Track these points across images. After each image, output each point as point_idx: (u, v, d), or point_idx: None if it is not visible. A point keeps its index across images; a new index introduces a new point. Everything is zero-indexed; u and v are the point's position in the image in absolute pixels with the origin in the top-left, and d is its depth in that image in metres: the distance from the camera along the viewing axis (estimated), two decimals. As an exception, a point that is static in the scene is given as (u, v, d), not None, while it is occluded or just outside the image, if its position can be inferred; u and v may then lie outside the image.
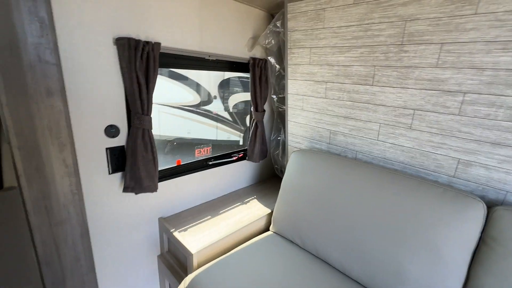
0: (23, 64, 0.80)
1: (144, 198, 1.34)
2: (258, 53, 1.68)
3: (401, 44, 1.05)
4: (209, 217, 1.48)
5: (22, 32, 0.79)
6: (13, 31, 0.77)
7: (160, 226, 1.43)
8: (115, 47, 1.08)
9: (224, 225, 1.40)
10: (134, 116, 1.14)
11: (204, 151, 1.65)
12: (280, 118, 1.85)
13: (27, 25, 0.79)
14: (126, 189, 1.18)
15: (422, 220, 0.94)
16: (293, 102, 1.55)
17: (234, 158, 1.76)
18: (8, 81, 0.78)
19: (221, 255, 1.27)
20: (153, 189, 1.24)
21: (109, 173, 1.18)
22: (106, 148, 1.15)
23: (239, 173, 1.83)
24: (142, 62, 1.11)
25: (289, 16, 1.39)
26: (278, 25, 1.49)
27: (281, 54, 1.63)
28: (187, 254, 1.21)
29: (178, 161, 1.49)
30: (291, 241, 1.35)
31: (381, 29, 1.09)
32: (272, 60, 1.64)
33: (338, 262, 1.13)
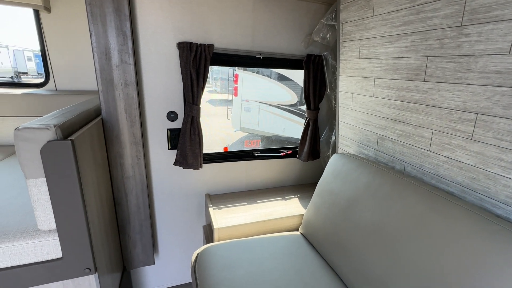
0: (111, 64, 1.18)
1: (195, 174, 1.62)
2: (316, 49, 1.63)
3: (461, 26, 0.79)
4: (245, 203, 1.61)
5: (113, 42, 1.16)
6: (107, 42, 1.15)
7: (205, 201, 1.68)
8: (177, 50, 1.37)
9: (254, 213, 1.49)
10: (187, 105, 1.41)
11: (253, 143, 1.78)
12: (334, 118, 1.72)
13: (115, 37, 1.16)
14: (176, 162, 1.48)
15: (484, 274, 0.66)
16: (343, 100, 1.43)
17: (282, 154, 1.79)
18: (103, 75, 1.18)
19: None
20: (196, 167, 1.48)
21: (168, 149, 1.51)
22: (167, 129, 1.48)
23: (287, 170, 1.84)
24: (195, 61, 1.36)
25: (341, 6, 1.28)
26: (332, 18, 1.40)
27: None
28: (213, 228, 1.39)
29: (225, 148, 1.68)
30: (313, 246, 1.28)
31: (436, 9, 0.85)
32: (328, 56, 1.55)
33: (350, 285, 1.00)
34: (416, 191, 0.91)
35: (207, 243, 1.55)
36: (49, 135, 0.83)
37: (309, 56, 1.56)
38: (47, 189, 0.86)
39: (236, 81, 6.34)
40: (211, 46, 1.37)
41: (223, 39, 1.43)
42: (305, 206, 1.58)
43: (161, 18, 1.31)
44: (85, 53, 1.91)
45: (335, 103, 1.66)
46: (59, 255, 0.95)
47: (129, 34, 1.19)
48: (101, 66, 1.18)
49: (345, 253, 1.05)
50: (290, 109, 6.59)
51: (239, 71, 6.20)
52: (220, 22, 1.41)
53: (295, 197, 1.70)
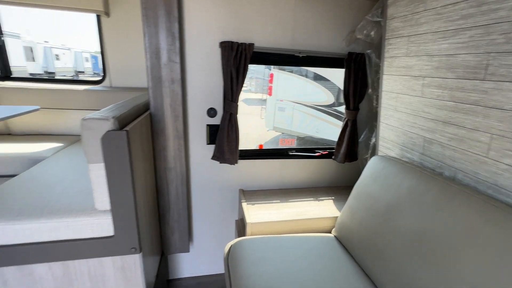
0: (161, 63, 1.28)
1: (230, 169, 1.67)
2: (358, 47, 1.57)
3: (533, 18, 0.70)
4: (278, 201, 1.62)
5: (163, 42, 1.26)
6: (158, 42, 1.25)
7: (239, 196, 1.72)
8: (219, 49, 1.43)
9: (287, 212, 1.49)
10: (226, 102, 1.46)
11: (288, 141, 1.78)
12: (375, 119, 1.64)
13: (165, 38, 1.25)
14: (213, 157, 1.54)
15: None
16: (386, 100, 1.35)
17: (317, 154, 1.76)
18: (153, 73, 1.29)
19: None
20: (232, 162, 1.53)
21: (207, 144, 1.58)
22: (207, 125, 1.55)
23: (322, 170, 1.80)
24: (236, 60, 1.40)
25: (388, 2, 1.22)
26: (378, 14, 1.33)
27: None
28: (245, 223, 1.43)
29: (260, 146, 1.71)
30: (346, 250, 1.25)
31: (502, 0, 0.77)
32: (372, 54, 1.49)
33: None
34: (469, 200, 0.83)
35: (239, 237, 1.59)
36: (109, 125, 0.93)
37: (350, 54, 1.51)
38: (104, 173, 0.97)
39: (271, 81, 6.35)
40: (251, 45, 1.41)
41: (263, 37, 1.46)
42: (339, 208, 1.54)
43: (206, 19, 1.38)
44: (137, 53, 2.08)
45: (377, 104, 1.59)
46: (111, 233, 1.06)
47: (177, 35, 1.27)
48: (152, 64, 1.28)
49: (382, 261, 1.01)
50: (325, 109, 6.40)
51: (274, 70, 6.20)
52: (261, 21, 1.43)
53: (329, 199, 1.66)
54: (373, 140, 1.59)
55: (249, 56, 1.41)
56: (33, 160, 1.57)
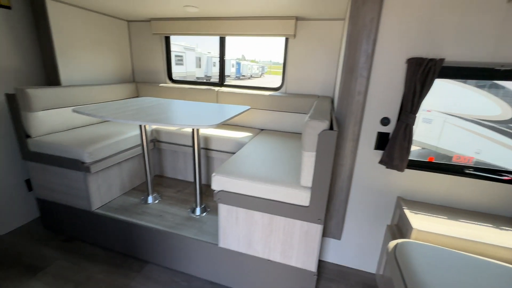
0: (352, 78, 1.57)
1: (391, 175, 1.78)
2: None
3: None
4: (445, 217, 1.58)
5: (358, 61, 1.53)
6: (353, 61, 1.54)
7: (396, 203, 1.80)
8: (405, 65, 1.56)
9: (457, 230, 1.45)
10: (403, 113, 1.58)
11: (464, 158, 1.67)
12: None
13: (360, 57, 1.52)
14: (381, 161, 1.70)
15: None
16: None
17: (504, 178, 1.56)
18: (344, 86, 1.59)
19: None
20: (400, 169, 1.63)
21: (374, 149, 1.76)
22: (378, 132, 1.72)
23: (506, 197, 1.58)
24: (422, 75, 1.49)
25: None
26: None
27: None
28: (408, 227, 1.51)
29: (431, 158, 1.70)
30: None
31: None
32: None
33: None
34: None
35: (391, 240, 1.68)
36: (325, 126, 1.29)
37: None
38: (314, 160, 1.35)
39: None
40: (440, 60, 1.45)
41: (455, 51, 1.47)
42: (534, 245, 1.34)
43: (395, 39, 1.54)
44: (308, 66, 2.52)
45: None
46: (307, 204, 1.45)
47: (370, 54, 1.52)
48: (345, 79, 1.59)
49: None
50: (496, 126, 5.03)
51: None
52: (454, 35, 1.45)
53: (515, 231, 1.45)
54: None
55: (437, 71, 1.46)
56: (240, 143, 2.27)
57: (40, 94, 2.01)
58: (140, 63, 3.14)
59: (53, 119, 2.14)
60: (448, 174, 1.66)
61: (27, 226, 2.41)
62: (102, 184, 2.09)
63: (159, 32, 2.81)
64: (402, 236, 1.65)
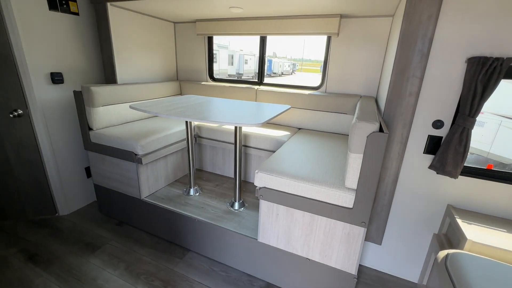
0: (403, 78, 1.50)
1: (442, 182, 1.67)
2: None
3: None
4: (505, 231, 1.45)
5: (411, 61, 1.47)
6: (406, 61, 1.47)
7: (446, 211, 1.69)
8: (464, 65, 1.45)
9: (520, 245, 1.33)
10: (460, 116, 1.48)
11: (530, 167, 1.51)
12: None
13: (413, 56, 1.45)
14: (431, 166, 1.61)
15: None
16: None
17: None
18: (394, 87, 1.53)
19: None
20: (454, 175, 1.53)
21: (423, 152, 1.67)
22: (428, 135, 1.63)
23: None
24: (485, 75, 1.38)
25: None
26: None
27: None
28: (461, 238, 1.42)
29: (490, 165, 1.57)
30: None
31: None
32: None
33: None
34: None
35: (439, 251, 1.59)
36: (374, 128, 1.26)
37: None
38: (360, 162, 1.33)
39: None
40: (508, 59, 1.33)
41: (528, 50, 1.33)
42: None
43: (454, 37, 1.44)
44: (351, 66, 2.45)
45: None
46: (351, 206, 1.43)
47: (425, 53, 1.44)
48: (395, 80, 1.53)
49: None
50: None
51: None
52: (529, 33, 1.31)
53: None
54: None
55: (503, 71, 1.35)
56: (278, 142, 2.30)
57: (101, 91, 2.23)
58: (184, 62, 3.31)
59: (110, 113, 2.37)
60: (510, 183, 1.52)
61: (84, 208, 2.71)
62: (151, 175, 2.27)
63: (203, 32, 2.93)
64: (452, 247, 1.56)
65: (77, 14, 2.35)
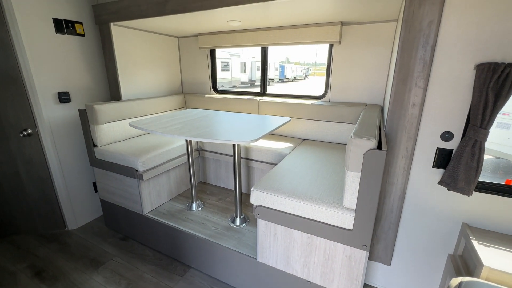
0: (406, 88, 1.40)
1: (455, 199, 1.53)
2: None
3: None
4: (528, 254, 1.29)
5: (413, 70, 1.37)
6: (407, 70, 1.38)
7: (461, 230, 1.54)
8: (474, 71, 1.33)
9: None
10: (471, 127, 1.35)
11: (557, 183, 1.35)
12: None
13: (415, 65, 1.35)
14: (441, 182, 1.48)
15: None
16: None
17: None
18: (396, 97, 1.43)
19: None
20: (467, 192, 1.40)
21: (432, 166, 1.54)
22: (437, 148, 1.51)
23: None
24: (497, 83, 1.25)
25: None
26: None
27: None
28: (477, 263, 1.27)
29: (508, 181, 1.42)
30: None
31: None
32: None
33: None
34: None
35: (455, 275, 1.44)
36: (371, 144, 1.17)
37: None
38: (358, 181, 1.24)
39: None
40: (524, 64, 1.20)
41: (545, 54, 1.20)
42: None
43: (460, 42, 1.33)
44: (355, 73, 2.35)
45: None
46: (350, 227, 1.34)
47: (428, 62, 1.34)
48: (397, 89, 1.43)
49: None
50: None
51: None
52: (545, 35, 1.18)
53: None
54: None
55: (518, 78, 1.22)
56: (281, 154, 2.24)
57: (104, 109, 2.28)
58: (188, 75, 3.35)
59: (114, 130, 2.41)
60: (534, 201, 1.36)
61: (92, 223, 2.76)
62: (153, 190, 2.28)
63: (205, 46, 2.96)
64: (469, 271, 1.41)
65: (83, 35, 2.44)
